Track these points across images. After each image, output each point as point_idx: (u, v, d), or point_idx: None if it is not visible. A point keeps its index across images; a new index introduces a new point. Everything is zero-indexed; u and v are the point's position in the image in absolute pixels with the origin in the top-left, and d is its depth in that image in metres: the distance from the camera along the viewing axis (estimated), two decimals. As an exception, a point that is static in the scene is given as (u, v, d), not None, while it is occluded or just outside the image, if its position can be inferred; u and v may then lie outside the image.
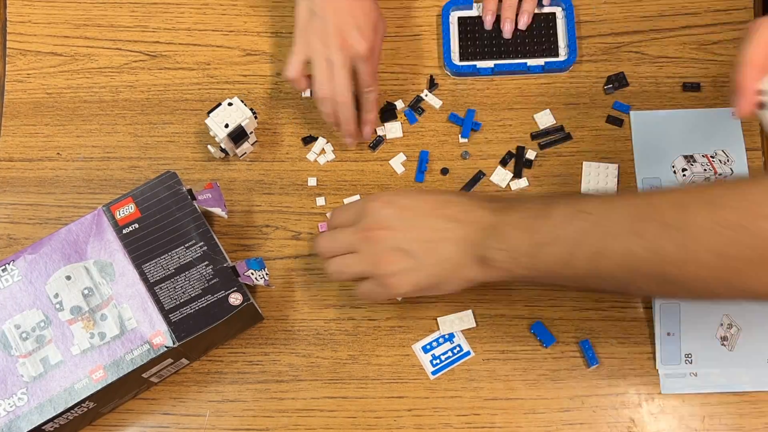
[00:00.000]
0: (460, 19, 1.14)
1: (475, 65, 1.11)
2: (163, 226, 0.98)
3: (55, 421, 0.93)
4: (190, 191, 0.99)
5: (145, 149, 1.11)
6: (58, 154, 1.11)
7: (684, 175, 1.06)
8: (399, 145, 1.10)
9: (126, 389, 0.97)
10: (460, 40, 1.13)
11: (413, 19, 1.15)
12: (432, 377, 1.01)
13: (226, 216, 1.01)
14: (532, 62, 1.11)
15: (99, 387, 0.93)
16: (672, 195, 0.82)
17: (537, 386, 1.01)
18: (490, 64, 1.11)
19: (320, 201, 1.08)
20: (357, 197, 1.08)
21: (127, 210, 0.98)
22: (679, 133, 1.08)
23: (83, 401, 0.93)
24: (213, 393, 1.02)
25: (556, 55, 1.11)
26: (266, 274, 0.98)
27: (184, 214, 0.98)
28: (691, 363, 1.00)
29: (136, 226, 0.98)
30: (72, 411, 0.94)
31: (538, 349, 1.02)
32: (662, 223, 0.79)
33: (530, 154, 1.08)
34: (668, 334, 1.01)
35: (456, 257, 0.90)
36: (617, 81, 1.10)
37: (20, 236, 1.08)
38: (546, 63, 1.11)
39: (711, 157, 1.06)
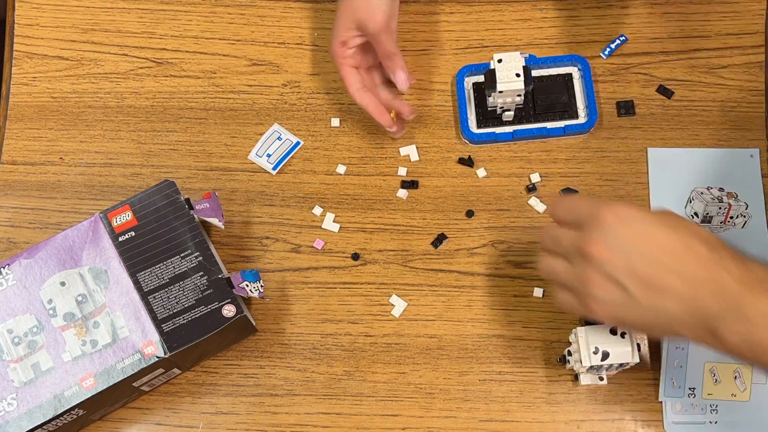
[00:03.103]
0: (475, 85, 1.11)
1: (495, 132, 1.09)
2: (160, 235, 0.97)
3: (43, 427, 0.93)
4: (187, 200, 0.99)
5: (147, 156, 1.10)
6: (61, 158, 1.11)
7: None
8: (402, 159, 1.09)
9: (116, 397, 0.97)
10: (477, 106, 1.10)
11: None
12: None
13: (222, 226, 1.01)
14: (551, 125, 1.08)
15: (89, 395, 0.93)
16: None
17: (533, 409, 1.00)
18: (509, 129, 1.08)
19: (323, 215, 1.07)
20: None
21: (124, 217, 0.98)
22: (696, 172, 1.07)
23: (73, 408, 0.93)
24: (207, 405, 1.02)
25: (576, 116, 1.09)
26: (261, 286, 0.97)
27: (181, 224, 0.98)
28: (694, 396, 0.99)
29: (133, 234, 0.97)
30: (61, 418, 0.93)
31: (535, 371, 1.01)
32: None
33: (535, 177, 1.07)
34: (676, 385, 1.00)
35: (678, 315, 0.77)
36: (625, 108, 1.09)
37: (20, 240, 1.08)
38: (566, 126, 1.08)
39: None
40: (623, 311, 0.80)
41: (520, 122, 1.09)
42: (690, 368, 0.98)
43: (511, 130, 1.08)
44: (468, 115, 1.09)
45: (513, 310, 1.03)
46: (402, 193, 1.07)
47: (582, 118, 1.09)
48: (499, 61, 1.02)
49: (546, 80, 1.10)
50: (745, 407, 0.98)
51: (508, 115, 1.08)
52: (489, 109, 1.09)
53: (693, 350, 0.99)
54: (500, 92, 1.03)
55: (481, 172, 1.07)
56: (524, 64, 1.02)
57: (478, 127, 1.09)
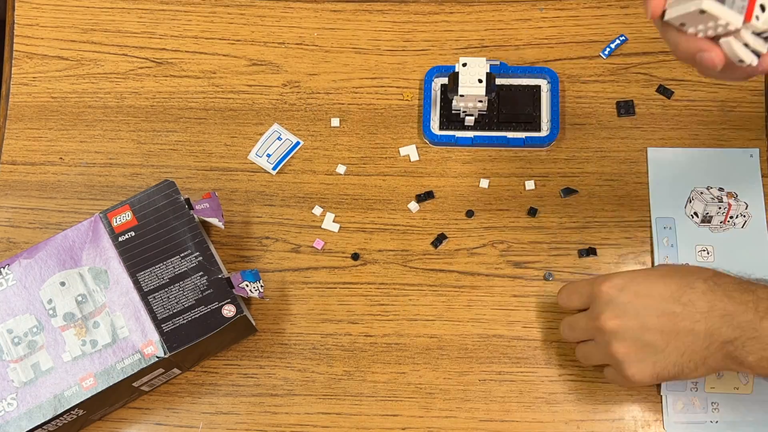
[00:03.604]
0: (443, 86, 1.10)
1: (454, 135, 1.08)
2: (160, 235, 0.97)
3: (43, 427, 0.93)
4: (187, 200, 0.99)
5: (147, 157, 1.10)
6: (61, 158, 1.11)
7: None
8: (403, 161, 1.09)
9: (116, 397, 0.97)
10: (442, 108, 1.10)
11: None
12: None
13: (222, 226, 1.01)
14: (512, 135, 1.08)
15: (89, 395, 0.93)
16: None
17: (533, 409, 1.00)
18: (469, 134, 1.08)
19: (322, 215, 1.07)
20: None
21: (124, 217, 0.98)
22: (696, 172, 1.07)
23: (73, 408, 0.93)
24: (207, 405, 1.01)
25: (538, 129, 1.09)
26: (261, 286, 0.97)
27: (180, 224, 0.98)
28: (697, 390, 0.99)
29: (133, 234, 0.97)
30: (61, 418, 0.93)
31: (535, 371, 1.01)
32: None
33: (529, 185, 1.07)
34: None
35: (701, 351, 0.83)
36: (625, 108, 1.09)
37: (20, 240, 1.07)
38: (527, 138, 1.08)
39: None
40: (658, 365, 0.85)
41: (483, 128, 1.09)
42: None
43: (472, 136, 1.08)
44: (431, 116, 1.09)
45: (513, 310, 1.03)
46: (413, 206, 1.07)
47: (544, 131, 1.08)
48: (464, 65, 1.03)
49: (514, 90, 1.10)
50: (747, 401, 0.98)
51: (470, 120, 1.08)
52: (453, 112, 1.09)
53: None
54: (461, 96, 1.03)
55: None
56: (488, 71, 1.02)
57: (441, 128, 1.09)
